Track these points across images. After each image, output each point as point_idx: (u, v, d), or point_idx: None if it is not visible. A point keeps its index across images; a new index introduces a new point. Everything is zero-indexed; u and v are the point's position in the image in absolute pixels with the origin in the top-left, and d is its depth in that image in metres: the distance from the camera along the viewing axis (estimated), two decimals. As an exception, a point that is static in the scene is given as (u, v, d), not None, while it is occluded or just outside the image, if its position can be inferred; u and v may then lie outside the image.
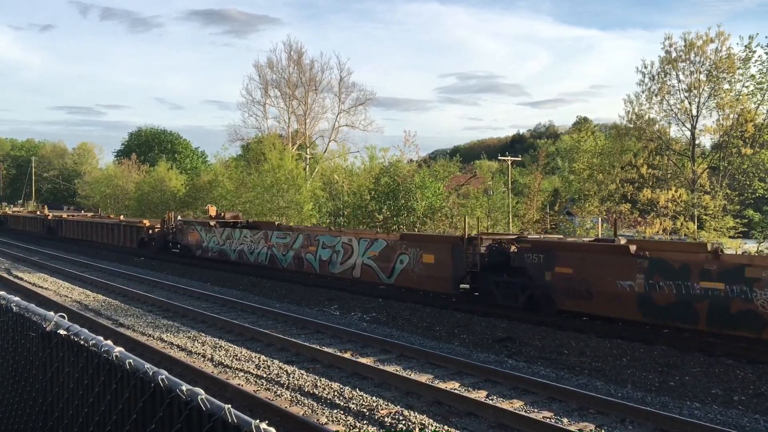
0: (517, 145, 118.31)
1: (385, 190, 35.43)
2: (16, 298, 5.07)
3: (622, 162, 33.28)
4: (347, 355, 11.53)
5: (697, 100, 30.80)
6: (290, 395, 9.29)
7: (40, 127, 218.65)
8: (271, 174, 41.64)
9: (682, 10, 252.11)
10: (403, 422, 7.95)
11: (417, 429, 7.75)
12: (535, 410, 8.75)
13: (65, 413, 4.03)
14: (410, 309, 16.40)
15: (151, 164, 66.98)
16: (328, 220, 40.96)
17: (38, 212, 56.68)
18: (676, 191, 30.27)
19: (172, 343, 12.61)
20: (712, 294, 11.91)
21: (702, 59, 30.38)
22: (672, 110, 31.67)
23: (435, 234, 27.57)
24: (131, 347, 11.62)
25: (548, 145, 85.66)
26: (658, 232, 29.72)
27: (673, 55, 30.92)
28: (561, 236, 20.87)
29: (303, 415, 8.30)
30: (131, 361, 3.26)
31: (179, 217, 33.76)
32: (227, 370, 10.73)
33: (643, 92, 32.00)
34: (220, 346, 12.29)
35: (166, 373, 3.00)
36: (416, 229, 30.57)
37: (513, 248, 15.90)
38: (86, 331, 3.92)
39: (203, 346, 12.35)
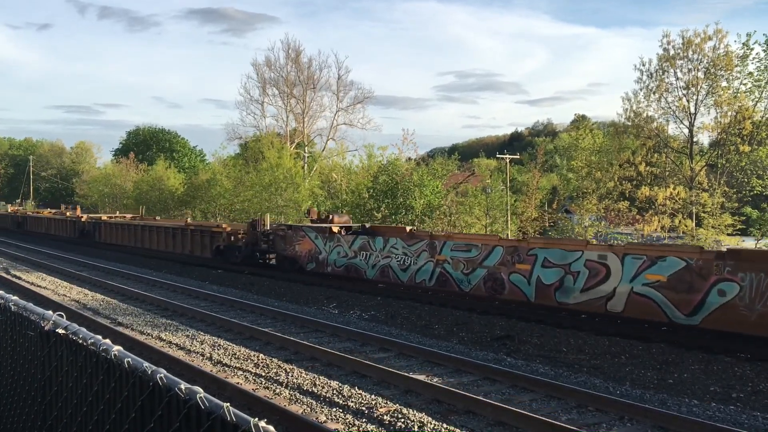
0: (515, 143, 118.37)
1: (384, 188, 35.46)
2: (15, 297, 5.07)
3: (621, 160, 33.32)
4: (346, 354, 11.53)
5: (695, 97, 30.86)
6: (289, 393, 9.29)
7: (37, 126, 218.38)
8: (269, 173, 41.63)
9: (680, 7, 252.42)
10: (402, 420, 7.95)
11: (416, 427, 7.75)
12: (534, 408, 8.76)
13: (64, 412, 4.03)
14: (409, 307, 16.41)
15: (149, 163, 66.91)
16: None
17: (67, 213, 50.46)
18: (674, 189, 30.31)
19: (170, 342, 12.61)
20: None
21: (700, 57, 30.43)
22: (670, 108, 31.73)
23: None
24: (130, 346, 11.62)
25: (546, 143, 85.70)
26: (656, 229, 29.75)
27: (671, 52, 30.97)
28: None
29: (302, 413, 8.30)
30: (130, 359, 3.26)
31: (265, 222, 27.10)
32: (226, 368, 10.73)
33: (641, 90, 32.08)
34: (219, 345, 12.28)
35: (164, 371, 3.00)
36: (415, 228, 30.44)
37: None
38: (85, 330, 3.92)
39: (202, 344, 12.35)
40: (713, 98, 30.33)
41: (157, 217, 38.55)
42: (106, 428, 3.47)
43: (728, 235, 29.40)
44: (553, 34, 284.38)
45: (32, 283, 21.01)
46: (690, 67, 30.67)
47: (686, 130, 31.91)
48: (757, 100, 29.80)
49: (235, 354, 11.59)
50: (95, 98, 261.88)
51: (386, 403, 8.76)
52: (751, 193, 30.14)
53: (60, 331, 4.08)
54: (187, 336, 13.11)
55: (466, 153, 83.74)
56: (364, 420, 8.15)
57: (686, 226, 29.44)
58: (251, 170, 44.76)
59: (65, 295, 18.65)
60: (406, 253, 18.67)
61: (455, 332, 13.89)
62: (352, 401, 8.81)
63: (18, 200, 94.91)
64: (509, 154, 57.23)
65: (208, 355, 11.59)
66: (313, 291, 19.39)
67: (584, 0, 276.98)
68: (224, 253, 26.10)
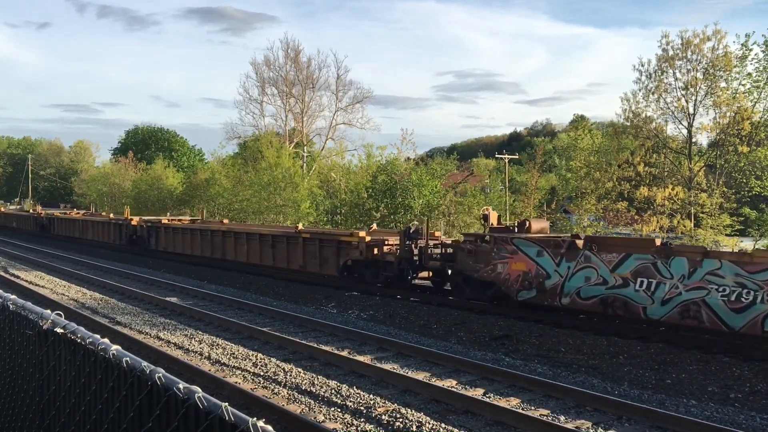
0: (514, 143, 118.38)
1: (383, 188, 35.45)
2: (13, 296, 5.06)
3: (619, 160, 33.28)
4: (344, 353, 11.53)
5: (693, 98, 30.82)
6: (287, 393, 9.29)
7: (36, 125, 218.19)
8: (268, 172, 41.61)
9: (679, 8, 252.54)
10: (400, 420, 7.95)
11: (414, 427, 7.75)
12: (532, 408, 8.77)
13: (62, 411, 4.03)
14: (407, 307, 16.40)
15: (148, 162, 66.86)
16: (325, 219, 40.97)
17: (106, 214, 41.74)
18: (672, 189, 30.28)
19: (169, 342, 12.60)
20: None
21: (699, 57, 30.39)
22: (669, 108, 31.69)
23: None
24: (128, 345, 11.61)
25: (545, 143, 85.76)
26: (654, 229, 29.75)
27: (670, 53, 30.92)
28: None
29: (300, 413, 8.30)
30: (128, 359, 3.26)
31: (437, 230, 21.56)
32: (224, 368, 10.73)
33: (640, 90, 32.01)
34: (217, 345, 12.28)
35: (163, 371, 3.00)
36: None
37: None
38: (83, 329, 3.92)
39: (200, 344, 12.35)
40: (712, 99, 30.31)
41: (300, 225, 26.41)
42: (104, 427, 3.47)
43: (726, 235, 29.40)
44: (552, 34, 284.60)
45: (31, 282, 20.99)
46: (689, 67, 30.65)
47: (685, 131, 31.90)
48: (755, 100, 29.78)
49: (234, 353, 11.59)
50: (94, 97, 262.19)
51: (384, 402, 8.77)
52: (750, 194, 30.13)
53: (58, 330, 4.08)
54: (186, 335, 13.10)
55: (465, 153, 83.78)
56: (362, 419, 8.15)
57: (685, 227, 29.43)
58: (250, 170, 44.73)
59: (64, 294, 18.63)
60: (744, 285, 11.79)
61: (454, 332, 13.89)
62: (350, 401, 8.81)
63: (16, 199, 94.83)
64: (508, 154, 57.28)
65: (207, 354, 11.58)
66: (311, 290, 19.38)
67: (583, 0, 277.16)
68: (358, 270, 19.73)
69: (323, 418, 8.23)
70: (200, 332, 13.43)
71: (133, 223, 33.10)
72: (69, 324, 4.06)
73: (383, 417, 8.11)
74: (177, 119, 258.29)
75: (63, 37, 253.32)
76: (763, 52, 29.10)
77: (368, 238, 19.41)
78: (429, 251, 17.98)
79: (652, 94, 31.64)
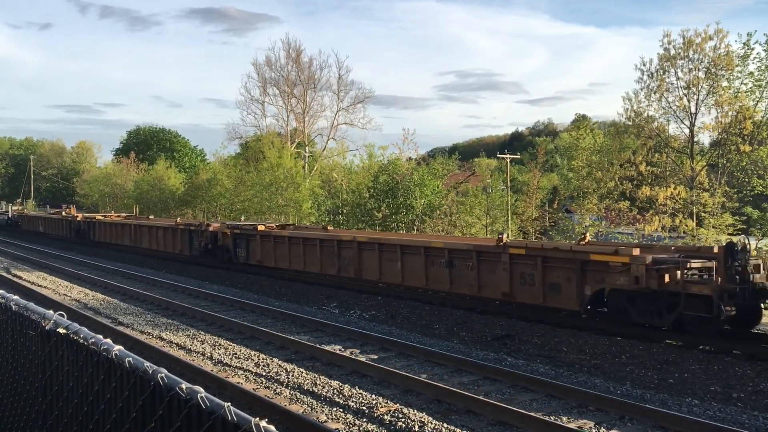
0: (515, 143, 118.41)
1: (384, 188, 35.45)
2: (15, 297, 5.07)
3: (621, 159, 33.27)
4: (346, 353, 11.53)
5: (695, 97, 30.80)
6: (289, 393, 9.29)
7: (38, 125, 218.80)
8: (269, 172, 41.64)
9: (680, 7, 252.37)
10: (403, 420, 7.95)
11: (416, 427, 7.75)
12: (534, 408, 8.76)
13: (65, 412, 4.03)
14: (409, 307, 16.40)
15: (150, 163, 66.94)
16: (327, 219, 40.97)
17: (190, 221, 32.42)
18: (674, 188, 30.26)
19: (171, 342, 12.61)
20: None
21: (701, 57, 30.37)
22: (671, 107, 31.67)
23: None
24: (130, 346, 11.61)
25: (547, 142, 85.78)
26: (656, 229, 29.73)
27: (672, 52, 30.91)
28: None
29: (302, 413, 8.30)
30: (130, 359, 3.26)
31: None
32: (226, 368, 10.73)
33: (641, 90, 32.00)
34: (220, 345, 12.29)
35: (165, 371, 3.00)
36: (415, 228, 30.43)
37: None
38: (85, 329, 3.92)
39: (202, 344, 12.35)
40: (714, 98, 30.29)
41: (504, 235, 15.75)
42: (107, 428, 3.47)
43: (729, 234, 29.36)
44: (552, 33, 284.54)
45: (33, 283, 21.02)
46: (691, 66, 30.64)
47: (687, 130, 31.88)
48: (757, 99, 29.76)
49: (236, 353, 11.59)
50: (96, 98, 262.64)
51: (387, 402, 8.76)
52: (752, 193, 30.10)
53: (61, 330, 4.08)
54: (188, 335, 13.11)
55: (466, 153, 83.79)
56: (364, 420, 8.15)
57: (687, 226, 29.40)
58: (252, 170, 44.76)
59: (66, 295, 18.66)
60: None
61: (456, 332, 13.88)
62: (352, 401, 8.81)
63: (19, 199, 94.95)
64: (510, 154, 57.24)
65: (209, 354, 11.59)
66: (313, 290, 19.38)
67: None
68: (617, 304, 13.19)
69: (325, 418, 8.23)
70: (202, 332, 13.43)
71: (212, 229, 26.40)
72: (71, 324, 4.07)
73: (385, 417, 8.11)
74: (178, 119, 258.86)
75: (65, 37, 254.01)
76: (765, 51, 29.09)
77: (648, 258, 12.32)
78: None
79: (654, 93, 31.63)
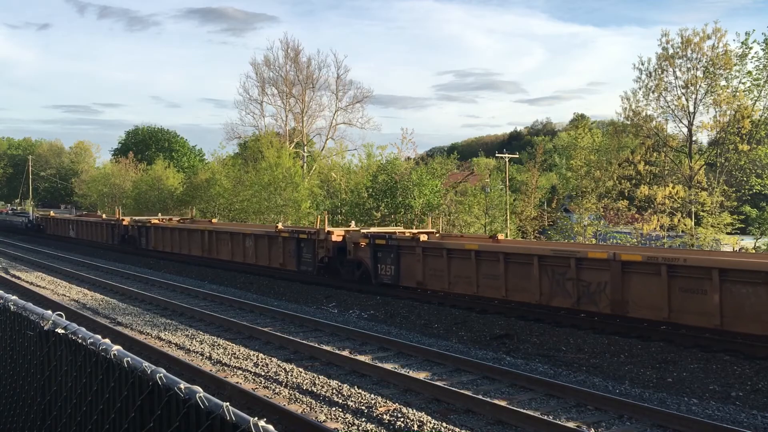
0: (514, 142, 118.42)
1: (383, 187, 35.44)
2: (14, 297, 5.06)
3: (620, 159, 33.30)
4: (345, 353, 11.53)
5: (693, 96, 30.81)
6: (289, 393, 9.29)
7: (36, 125, 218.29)
8: (268, 172, 41.63)
9: (677, 6, 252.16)
10: (402, 419, 7.95)
11: (415, 426, 7.76)
12: (533, 407, 8.77)
13: (63, 411, 4.03)
14: (408, 306, 16.40)
15: (148, 163, 66.88)
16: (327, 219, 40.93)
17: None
18: (673, 188, 30.27)
19: (170, 342, 12.61)
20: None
21: (699, 56, 30.38)
22: (669, 107, 31.68)
23: None
24: (129, 346, 11.61)
25: (545, 142, 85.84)
26: (655, 228, 29.75)
27: (670, 51, 30.92)
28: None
29: (301, 412, 8.30)
30: (129, 359, 3.26)
31: None
32: (225, 368, 10.73)
33: (640, 89, 32.00)
34: (218, 345, 12.28)
35: (164, 371, 3.00)
36: (414, 227, 30.44)
37: None
38: (84, 329, 3.92)
39: (201, 344, 12.35)
40: (712, 97, 30.31)
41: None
42: (105, 428, 3.47)
43: (727, 234, 29.40)
44: (550, 32, 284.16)
45: (31, 283, 21.00)
46: (689, 66, 30.65)
47: (685, 129, 31.90)
48: (755, 99, 29.77)
49: (235, 353, 11.59)
50: (94, 98, 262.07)
51: (386, 402, 8.77)
52: (750, 192, 30.14)
53: (59, 330, 4.08)
54: (187, 335, 13.11)
55: (465, 152, 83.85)
56: (363, 419, 8.15)
57: (685, 225, 29.44)
58: (250, 170, 44.75)
59: (64, 295, 18.64)
60: None
61: (454, 331, 13.89)
62: (351, 400, 8.81)
63: (17, 200, 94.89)
64: (508, 153, 57.24)
65: (208, 354, 11.59)
66: (312, 290, 19.38)
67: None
68: None
69: (324, 417, 8.23)
70: (201, 332, 13.43)
71: (334, 238, 20.44)
72: (70, 324, 4.07)
73: (384, 416, 8.11)
74: (177, 119, 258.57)
75: (63, 37, 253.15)
76: (763, 50, 29.10)
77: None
78: None
79: (653, 92, 31.64)
